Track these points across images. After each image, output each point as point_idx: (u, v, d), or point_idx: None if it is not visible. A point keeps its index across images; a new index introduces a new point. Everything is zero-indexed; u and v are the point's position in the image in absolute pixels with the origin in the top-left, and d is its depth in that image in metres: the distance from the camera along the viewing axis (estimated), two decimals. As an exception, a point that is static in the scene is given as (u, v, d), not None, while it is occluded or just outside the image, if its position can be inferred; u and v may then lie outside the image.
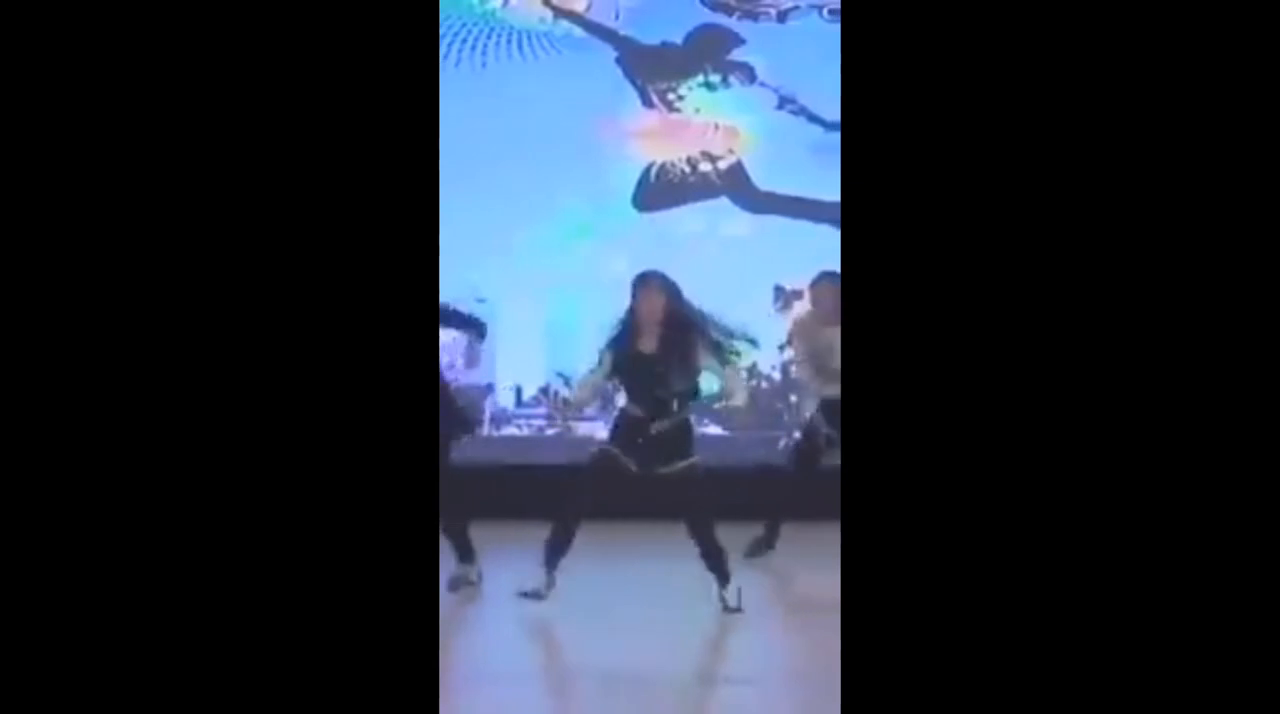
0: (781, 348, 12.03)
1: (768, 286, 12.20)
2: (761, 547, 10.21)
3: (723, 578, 8.36)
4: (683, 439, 8.43)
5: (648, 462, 8.38)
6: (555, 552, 8.35)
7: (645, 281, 8.47)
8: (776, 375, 12.16)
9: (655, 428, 8.34)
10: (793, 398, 12.31)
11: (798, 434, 10.83)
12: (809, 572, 9.71)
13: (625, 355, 8.42)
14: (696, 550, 8.35)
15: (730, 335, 8.59)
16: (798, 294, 12.13)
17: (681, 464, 8.34)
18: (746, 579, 8.51)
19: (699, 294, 12.22)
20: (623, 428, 8.50)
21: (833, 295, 10.27)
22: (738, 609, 8.26)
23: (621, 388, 8.65)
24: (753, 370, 12.31)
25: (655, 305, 8.37)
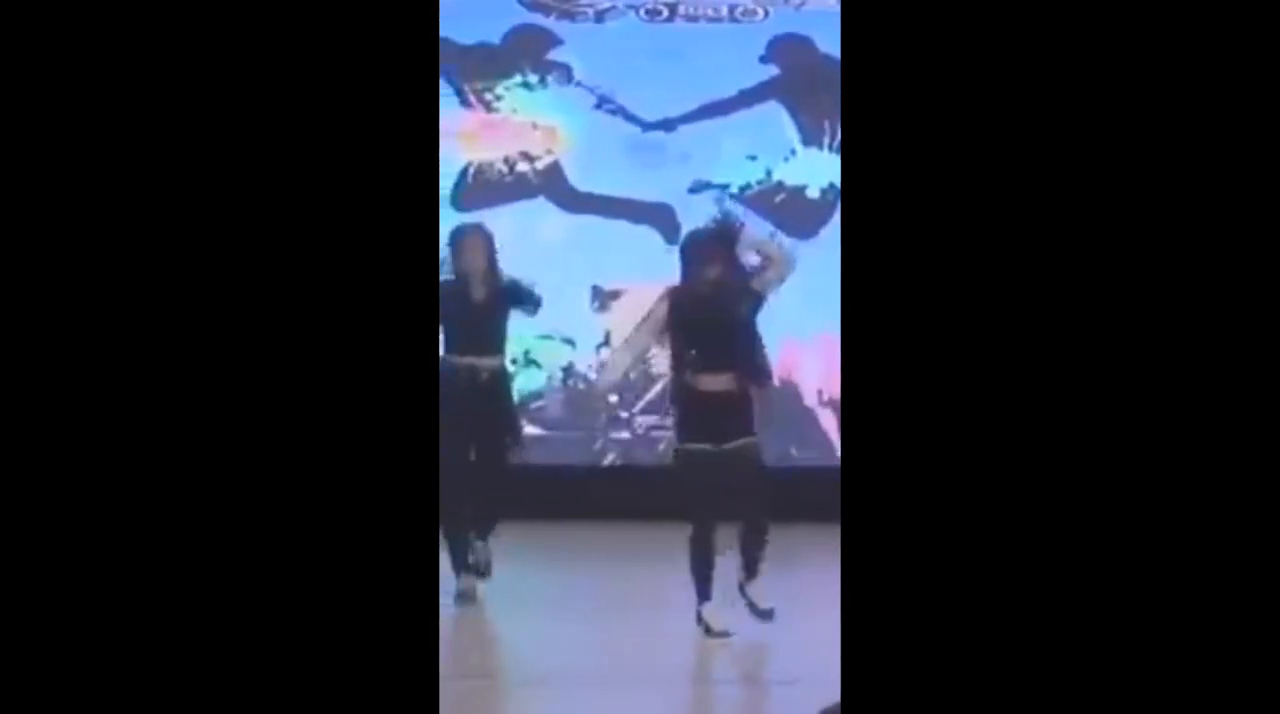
0: (599, 348, 12.07)
1: (585, 287, 12.22)
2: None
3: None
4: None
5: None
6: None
7: None
8: (593, 375, 12.14)
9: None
10: (612, 398, 12.29)
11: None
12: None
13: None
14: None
15: None
16: (615, 294, 12.22)
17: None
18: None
19: (517, 294, 12.33)
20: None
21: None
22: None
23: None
24: (569, 370, 12.31)
25: None
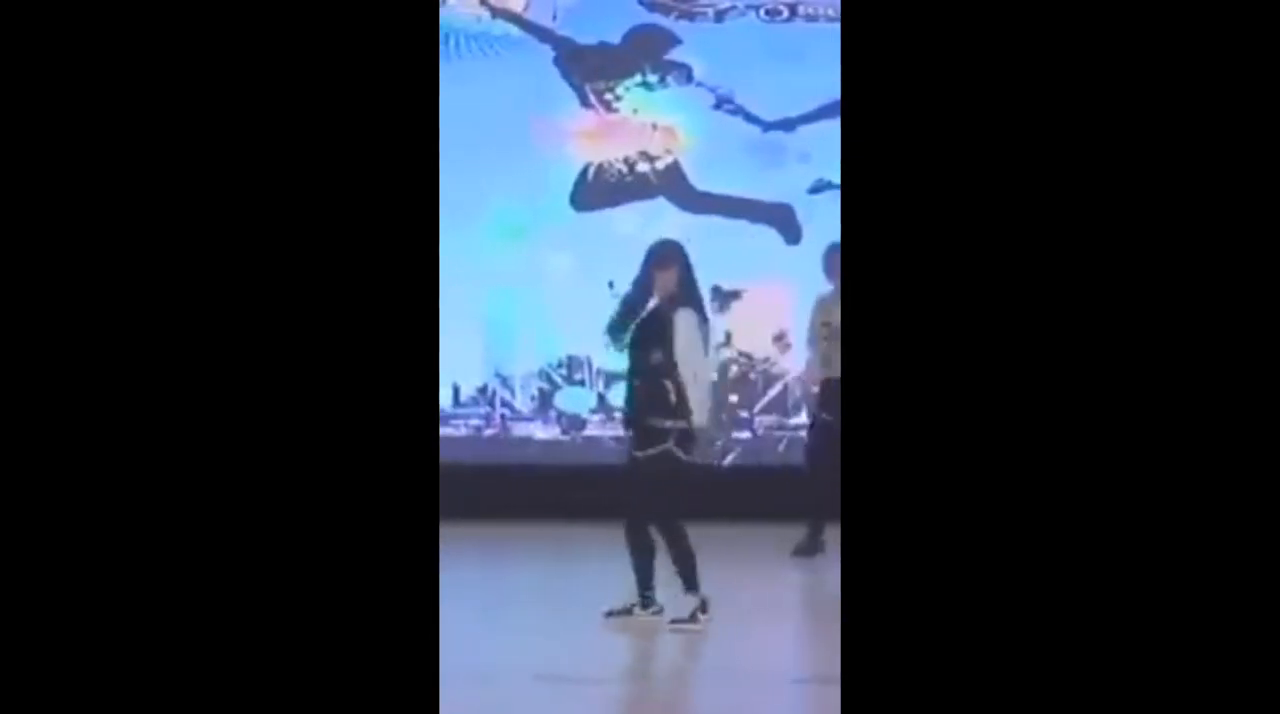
0: (718, 348, 12.04)
1: (705, 287, 12.17)
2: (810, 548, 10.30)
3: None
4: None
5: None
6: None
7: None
8: (713, 376, 12.12)
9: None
10: (733, 398, 12.30)
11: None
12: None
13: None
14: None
15: None
16: (735, 294, 12.22)
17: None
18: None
19: (637, 294, 12.38)
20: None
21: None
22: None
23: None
24: (689, 371, 12.31)
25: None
